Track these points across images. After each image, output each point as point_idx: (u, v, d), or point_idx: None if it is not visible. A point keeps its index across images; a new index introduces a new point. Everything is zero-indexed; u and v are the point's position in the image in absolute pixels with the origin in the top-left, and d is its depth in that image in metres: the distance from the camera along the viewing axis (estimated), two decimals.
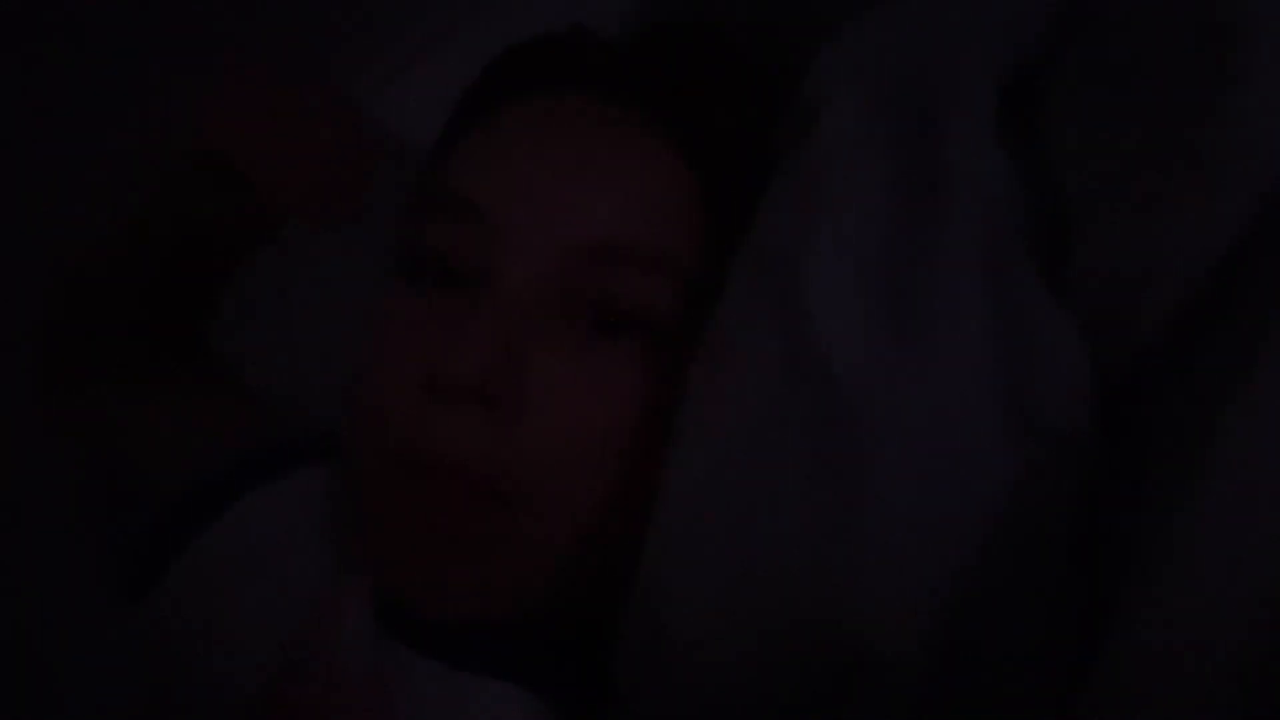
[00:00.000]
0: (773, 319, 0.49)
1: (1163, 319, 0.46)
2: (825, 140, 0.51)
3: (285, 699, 0.52)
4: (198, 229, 0.65)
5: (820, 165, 0.51)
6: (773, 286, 0.50)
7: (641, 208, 0.55)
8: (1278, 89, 0.44)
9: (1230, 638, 0.40)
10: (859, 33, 0.54)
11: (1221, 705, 0.40)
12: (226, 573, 0.58)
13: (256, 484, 0.61)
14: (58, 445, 0.68)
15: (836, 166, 0.50)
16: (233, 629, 0.57)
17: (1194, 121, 0.45)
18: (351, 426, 0.57)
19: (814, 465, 0.47)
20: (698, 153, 0.56)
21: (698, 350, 0.52)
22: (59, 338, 0.67)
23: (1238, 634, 0.40)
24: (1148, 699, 0.41)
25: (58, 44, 0.78)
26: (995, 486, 0.46)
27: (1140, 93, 0.47)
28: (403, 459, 0.53)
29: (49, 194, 0.77)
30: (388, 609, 0.55)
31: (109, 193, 0.67)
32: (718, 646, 0.48)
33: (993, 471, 0.46)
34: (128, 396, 0.65)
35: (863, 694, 0.46)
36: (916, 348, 0.47)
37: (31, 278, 0.66)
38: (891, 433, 0.46)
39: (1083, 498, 0.46)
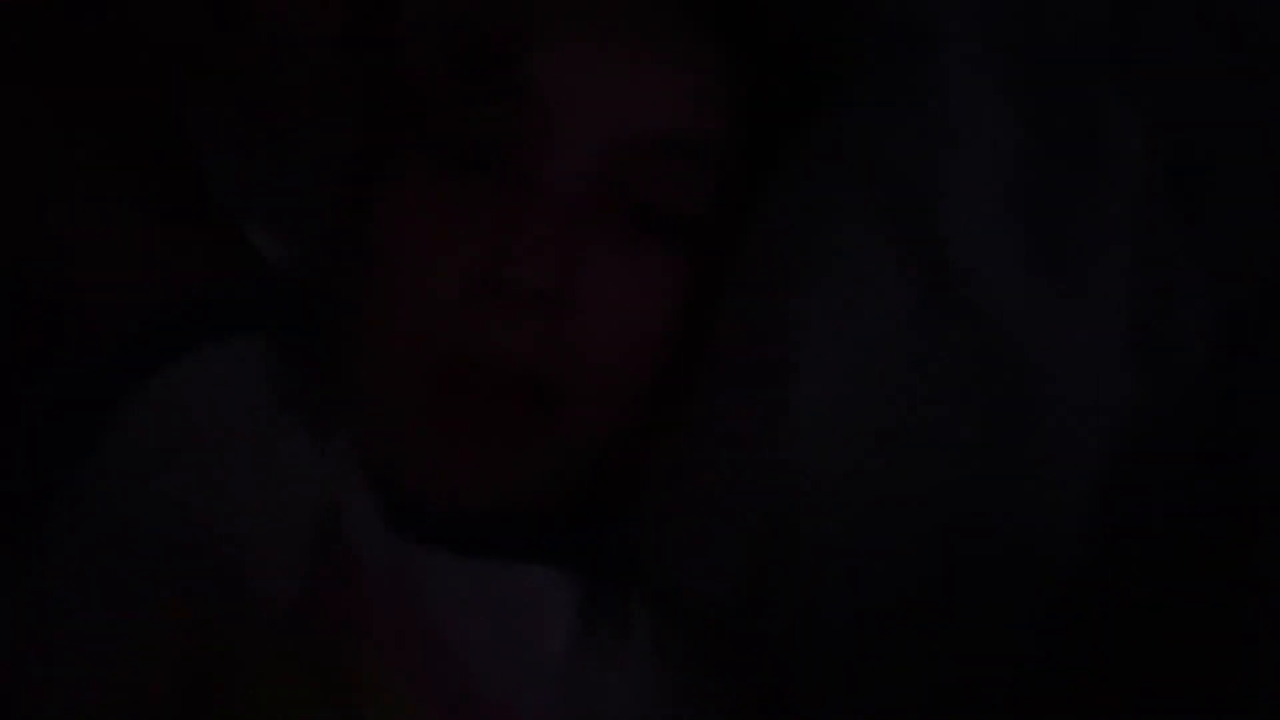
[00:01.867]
0: (909, 253, 0.50)
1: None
2: (948, 75, 0.51)
3: (316, 613, 0.51)
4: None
5: (946, 101, 0.51)
6: (907, 215, 0.50)
7: (690, 101, 0.55)
8: None
9: None
10: None
11: None
12: (180, 429, 0.54)
13: (204, 341, 0.56)
14: None
15: (967, 108, 0.51)
16: (201, 497, 0.53)
17: None
18: (376, 323, 0.55)
19: (962, 389, 0.49)
20: (742, 47, 0.56)
21: (803, 264, 0.52)
22: None
23: None
24: None
25: None
26: (1128, 408, 0.49)
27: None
28: (451, 361, 0.53)
29: None
30: (400, 506, 0.54)
31: None
32: (857, 547, 0.50)
33: (1126, 395, 0.49)
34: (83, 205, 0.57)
35: (983, 597, 0.49)
36: (1060, 289, 0.49)
37: None
38: (1046, 366, 0.49)
39: (1207, 424, 0.49)
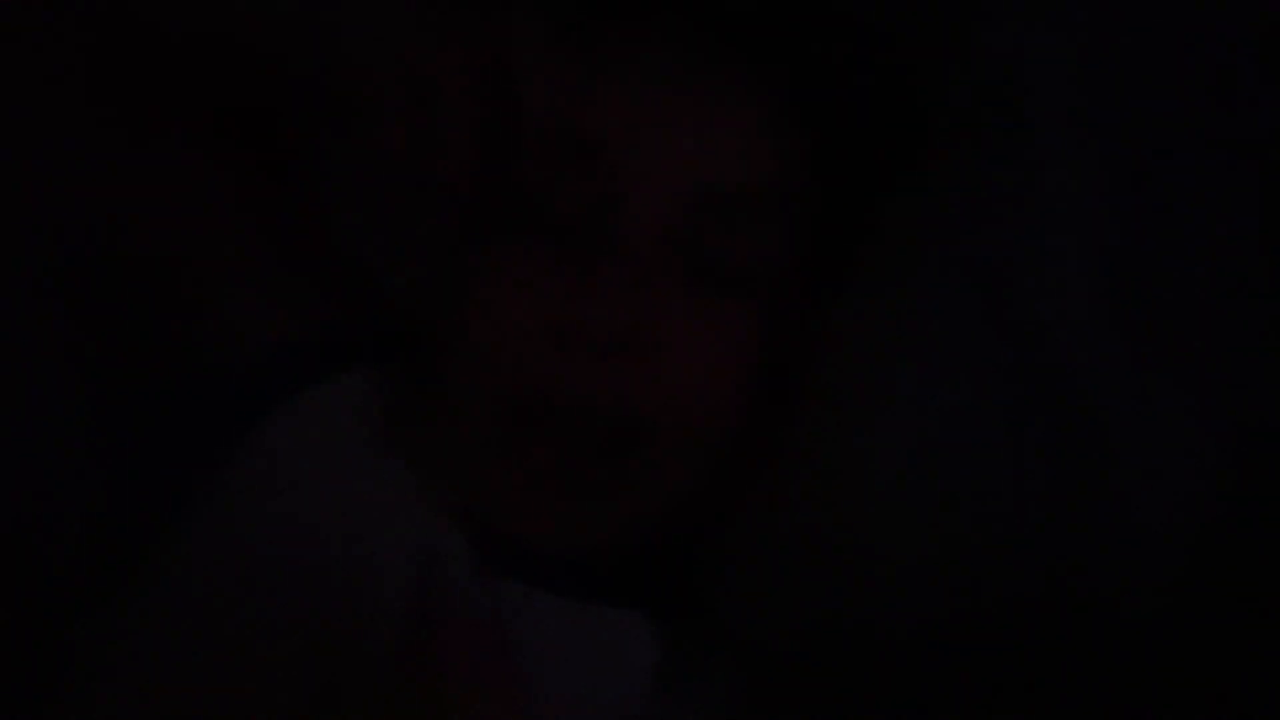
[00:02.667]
0: (991, 324, 0.51)
1: None
2: (1041, 156, 0.52)
3: (410, 651, 0.53)
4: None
5: (1039, 171, 0.52)
6: (993, 293, 0.52)
7: (757, 154, 0.56)
8: None
9: None
10: (1052, 13, 0.54)
11: None
12: (300, 460, 0.58)
13: (328, 374, 0.60)
14: None
15: (1059, 176, 0.52)
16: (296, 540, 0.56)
17: None
18: (464, 369, 0.57)
19: (1040, 460, 0.50)
20: (808, 100, 0.57)
21: (888, 328, 0.54)
22: None
23: None
24: None
25: None
26: (1214, 483, 0.50)
27: None
28: (532, 405, 0.55)
29: None
30: (490, 544, 0.57)
31: None
32: (910, 591, 0.51)
33: (1212, 472, 0.50)
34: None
35: (1059, 642, 0.50)
36: (1146, 366, 0.50)
37: None
38: (1121, 440, 0.50)
39: None
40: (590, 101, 0.57)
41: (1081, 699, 0.51)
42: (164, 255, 0.61)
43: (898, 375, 0.53)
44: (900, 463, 0.52)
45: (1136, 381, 0.50)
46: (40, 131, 0.59)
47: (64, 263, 0.60)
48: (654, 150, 0.56)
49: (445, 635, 0.53)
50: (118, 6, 0.58)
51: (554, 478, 0.56)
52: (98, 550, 0.58)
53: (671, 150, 0.56)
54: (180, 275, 0.61)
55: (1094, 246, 0.51)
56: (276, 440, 0.59)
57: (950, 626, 0.51)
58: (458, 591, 0.55)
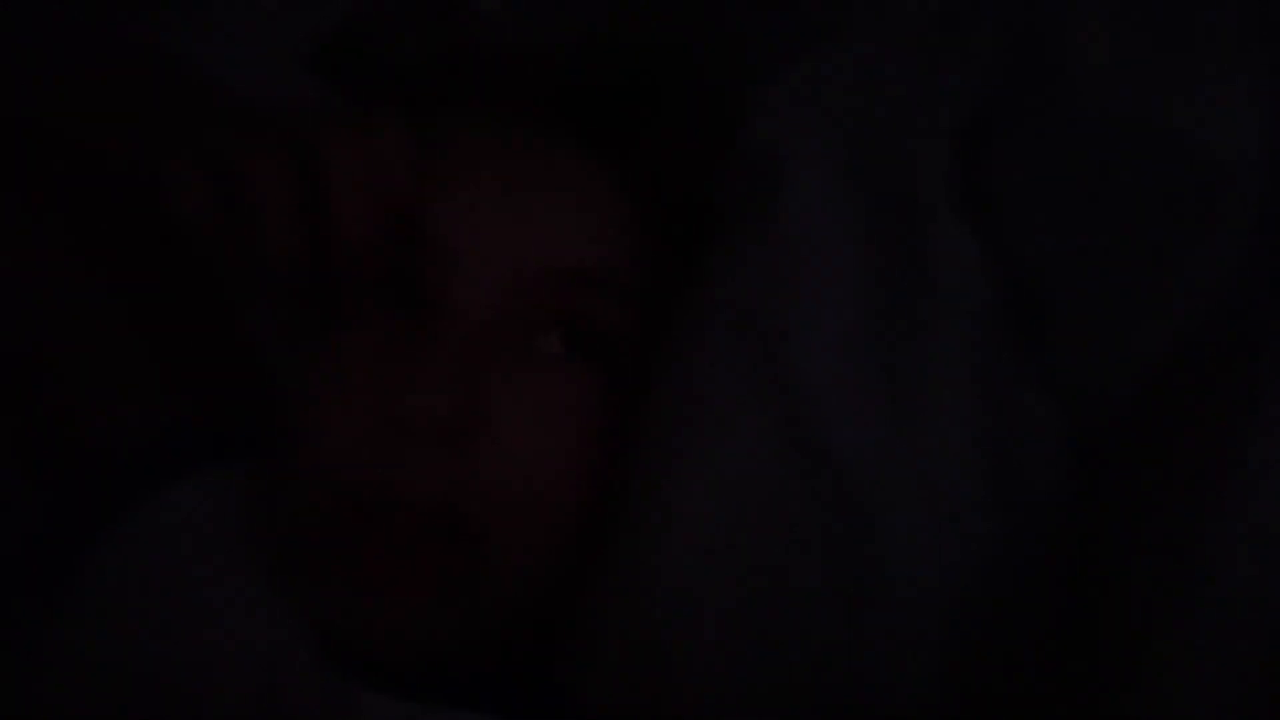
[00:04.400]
0: (759, 393, 0.51)
1: (1131, 394, 0.50)
2: (795, 206, 0.52)
3: None
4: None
5: (793, 234, 0.52)
6: (756, 356, 0.51)
7: (589, 233, 0.57)
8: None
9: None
10: (808, 77, 0.55)
11: None
12: (151, 564, 0.55)
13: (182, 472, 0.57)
14: None
15: (811, 242, 0.52)
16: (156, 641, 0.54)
17: (1164, 249, 0.50)
18: (294, 464, 0.56)
19: (815, 528, 0.49)
20: (637, 180, 0.58)
21: (674, 405, 0.53)
22: None
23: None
24: None
25: None
26: (980, 541, 0.49)
27: (1103, 196, 0.51)
28: (358, 499, 0.53)
29: None
30: (338, 650, 0.54)
31: None
32: (725, 686, 0.50)
33: (977, 529, 0.49)
34: None
35: None
36: (908, 425, 0.49)
37: None
38: (890, 507, 0.49)
39: (1060, 554, 0.50)
40: (422, 183, 0.56)
41: None
42: (27, 349, 0.60)
43: (683, 458, 0.52)
44: (689, 548, 0.51)
45: (898, 458, 0.49)
46: None
47: None
48: (483, 234, 0.55)
49: None
50: None
51: (383, 571, 0.53)
52: None
53: (501, 229, 0.55)
54: (45, 370, 0.59)
55: (852, 319, 0.51)
56: (131, 538, 0.55)
57: (759, 710, 0.50)
58: (304, 699, 0.52)
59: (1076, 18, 0.52)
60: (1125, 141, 0.50)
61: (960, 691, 0.48)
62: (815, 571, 0.49)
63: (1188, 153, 0.49)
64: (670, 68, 0.61)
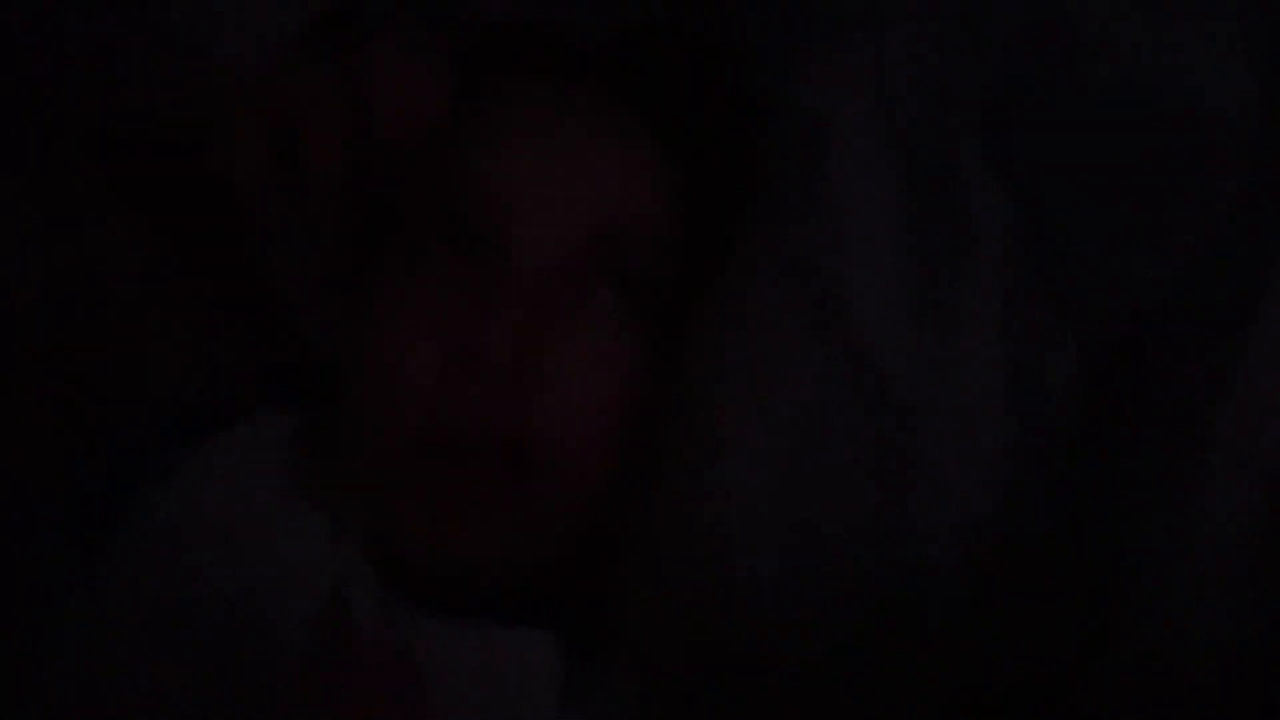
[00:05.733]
0: (815, 326, 0.56)
1: (1135, 320, 0.56)
2: (842, 165, 0.57)
3: (317, 686, 0.56)
4: None
5: (840, 189, 0.57)
6: (814, 294, 0.56)
7: (636, 193, 0.61)
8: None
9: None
10: (853, 47, 0.60)
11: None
12: (209, 506, 0.61)
13: (235, 420, 0.63)
14: None
15: (858, 193, 0.57)
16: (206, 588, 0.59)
17: (1166, 192, 0.56)
18: (364, 402, 0.61)
19: (863, 445, 0.55)
20: (678, 149, 0.62)
21: (727, 341, 0.58)
22: None
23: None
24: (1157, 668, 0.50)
25: None
26: (1008, 455, 0.55)
27: (1110, 149, 0.56)
28: (430, 431, 0.58)
29: None
30: (400, 574, 0.59)
31: None
32: (774, 595, 0.55)
33: (1006, 444, 0.55)
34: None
35: (906, 621, 0.54)
36: (945, 352, 0.55)
37: None
38: (929, 419, 0.55)
39: (1077, 467, 0.56)
40: (481, 146, 0.60)
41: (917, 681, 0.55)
42: (79, 311, 0.64)
43: (737, 399, 0.57)
44: (742, 478, 0.56)
45: (936, 371, 0.55)
46: None
47: None
48: (547, 188, 0.59)
49: (352, 669, 0.56)
50: None
51: (455, 502, 0.58)
52: (17, 591, 0.60)
53: (563, 187, 0.59)
54: (95, 328, 0.64)
55: (896, 253, 0.56)
56: (189, 484, 0.62)
57: (805, 622, 0.55)
58: (364, 624, 0.58)
59: None
60: (1127, 98, 0.56)
61: (986, 574, 0.54)
62: (864, 477, 0.55)
63: (1184, 103, 0.55)
64: (712, 40, 0.65)
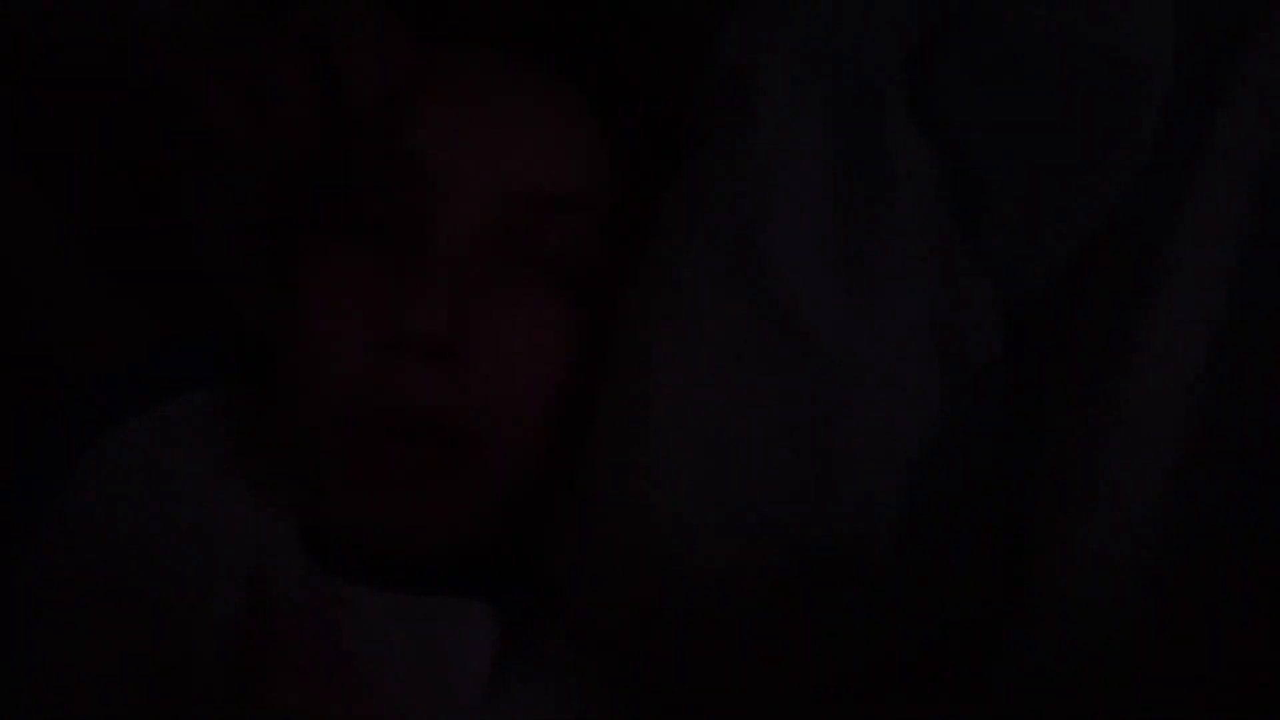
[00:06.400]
0: (736, 279, 0.56)
1: (1054, 274, 0.56)
2: (767, 117, 0.56)
3: (242, 658, 0.54)
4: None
5: (767, 142, 0.56)
6: (734, 250, 0.56)
7: (567, 161, 0.60)
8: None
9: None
10: (773, 7, 0.58)
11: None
12: (136, 480, 0.61)
13: (164, 395, 0.63)
14: None
15: (783, 145, 0.56)
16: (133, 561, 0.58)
17: (1087, 145, 0.55)
18: (295, 383, 0.60)
19: (786, 399, 0.55)
20: (611, 109, 0.61)
21: (653, 299, 0.58)
22: None
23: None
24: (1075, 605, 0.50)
25: None
26: (931, 407, 0.55)
27: (1033, 99, 0.56)
28: (360, 413, 0.58)
29: None
30: (332, 548, 0.59)
31: None
32: (706, 555, 0.55)
33: (928, 395, 0.55)
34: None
35: (835, 575, 0.54)
36: (866, 302, 0.55)
37: None
38: (850, 371, 0.54)
39: (999, 419, 0.56)
40: (411, 108, 0.59)
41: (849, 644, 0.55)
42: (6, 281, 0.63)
43: (663, 354, 0.56)
44: (670, 436, 0.55)
45: (862, 327, 0.55)
46: None
47: None
48: (470, 156, 0.59)
49: (279, 639, 0.54)
50: None
51: (391, 480, 0.58)
52: None
53: (487, 156, 0.59)
54: (23, 299, 0.63)
55: (819, 208, 0.56)
56: (114, 462, 0.61)
57: (738, 582, 0.54)
58: (291, 595, 0.57)
59: None
60: (1052, 49, 0.55)
61: (911, 526, 0.54)
62: (789, 431, 0.54)
63: (1108, 55, 0.54)
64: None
